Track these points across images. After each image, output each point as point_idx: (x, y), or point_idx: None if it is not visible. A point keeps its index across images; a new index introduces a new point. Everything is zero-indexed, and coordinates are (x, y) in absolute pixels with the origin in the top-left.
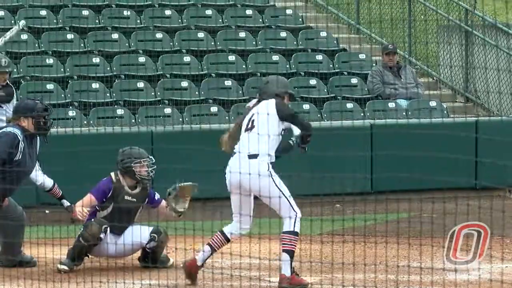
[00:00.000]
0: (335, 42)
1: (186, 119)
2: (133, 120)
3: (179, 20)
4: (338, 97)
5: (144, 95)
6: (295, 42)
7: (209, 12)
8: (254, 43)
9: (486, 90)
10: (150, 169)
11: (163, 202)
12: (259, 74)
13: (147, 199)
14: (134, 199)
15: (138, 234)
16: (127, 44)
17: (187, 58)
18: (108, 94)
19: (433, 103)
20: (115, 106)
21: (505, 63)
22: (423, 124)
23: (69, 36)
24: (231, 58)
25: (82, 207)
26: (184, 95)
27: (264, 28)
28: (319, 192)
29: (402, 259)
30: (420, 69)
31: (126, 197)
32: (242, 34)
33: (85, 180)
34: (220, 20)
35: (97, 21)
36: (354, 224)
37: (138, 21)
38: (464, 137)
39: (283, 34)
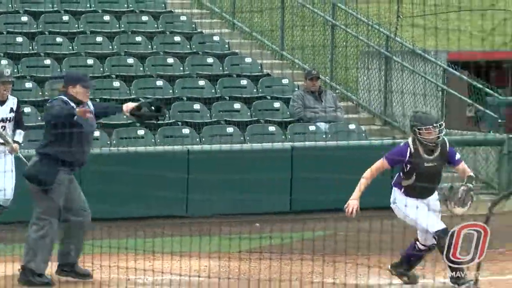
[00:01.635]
0: (259, 67)
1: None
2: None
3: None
4: (261, 121)
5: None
6: (221, 68)
7: (139, 39)
8: (181, 68)
9: (403, 114)
10: (438, 134)
11: (462, 164)
12: (185, 98)
13: (448, 160)
14: (434, 164)
15: (433, 222)
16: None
17: (116, 83)
18: None
19: (352, 126)
20: None
21: (421, 88)
22: (341, 147)
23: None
24: (159, 83)
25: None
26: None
27: (192, 54)
28: (240, 212)
29: (316, 276)
30: (340, 93)
31: (426, 164)
32: (170, 60)
33: None
34: (149, 46)
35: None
36: (272, 242)
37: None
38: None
39: (210, 60)
